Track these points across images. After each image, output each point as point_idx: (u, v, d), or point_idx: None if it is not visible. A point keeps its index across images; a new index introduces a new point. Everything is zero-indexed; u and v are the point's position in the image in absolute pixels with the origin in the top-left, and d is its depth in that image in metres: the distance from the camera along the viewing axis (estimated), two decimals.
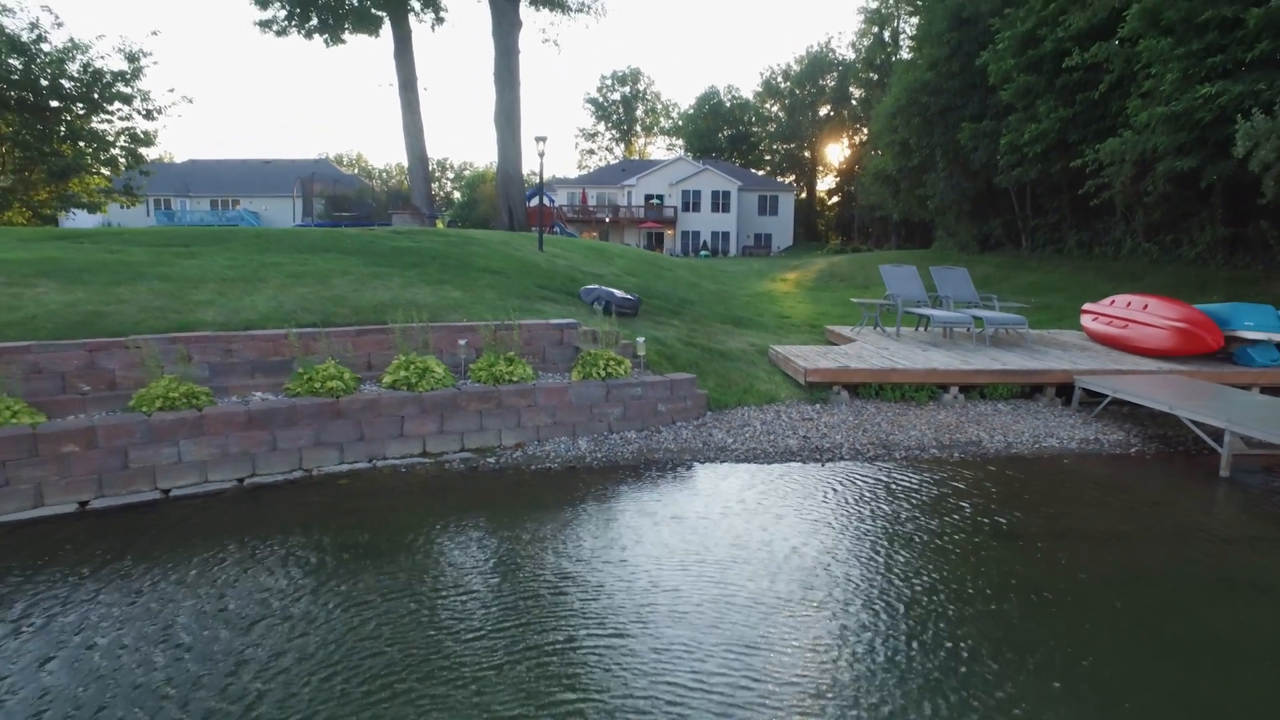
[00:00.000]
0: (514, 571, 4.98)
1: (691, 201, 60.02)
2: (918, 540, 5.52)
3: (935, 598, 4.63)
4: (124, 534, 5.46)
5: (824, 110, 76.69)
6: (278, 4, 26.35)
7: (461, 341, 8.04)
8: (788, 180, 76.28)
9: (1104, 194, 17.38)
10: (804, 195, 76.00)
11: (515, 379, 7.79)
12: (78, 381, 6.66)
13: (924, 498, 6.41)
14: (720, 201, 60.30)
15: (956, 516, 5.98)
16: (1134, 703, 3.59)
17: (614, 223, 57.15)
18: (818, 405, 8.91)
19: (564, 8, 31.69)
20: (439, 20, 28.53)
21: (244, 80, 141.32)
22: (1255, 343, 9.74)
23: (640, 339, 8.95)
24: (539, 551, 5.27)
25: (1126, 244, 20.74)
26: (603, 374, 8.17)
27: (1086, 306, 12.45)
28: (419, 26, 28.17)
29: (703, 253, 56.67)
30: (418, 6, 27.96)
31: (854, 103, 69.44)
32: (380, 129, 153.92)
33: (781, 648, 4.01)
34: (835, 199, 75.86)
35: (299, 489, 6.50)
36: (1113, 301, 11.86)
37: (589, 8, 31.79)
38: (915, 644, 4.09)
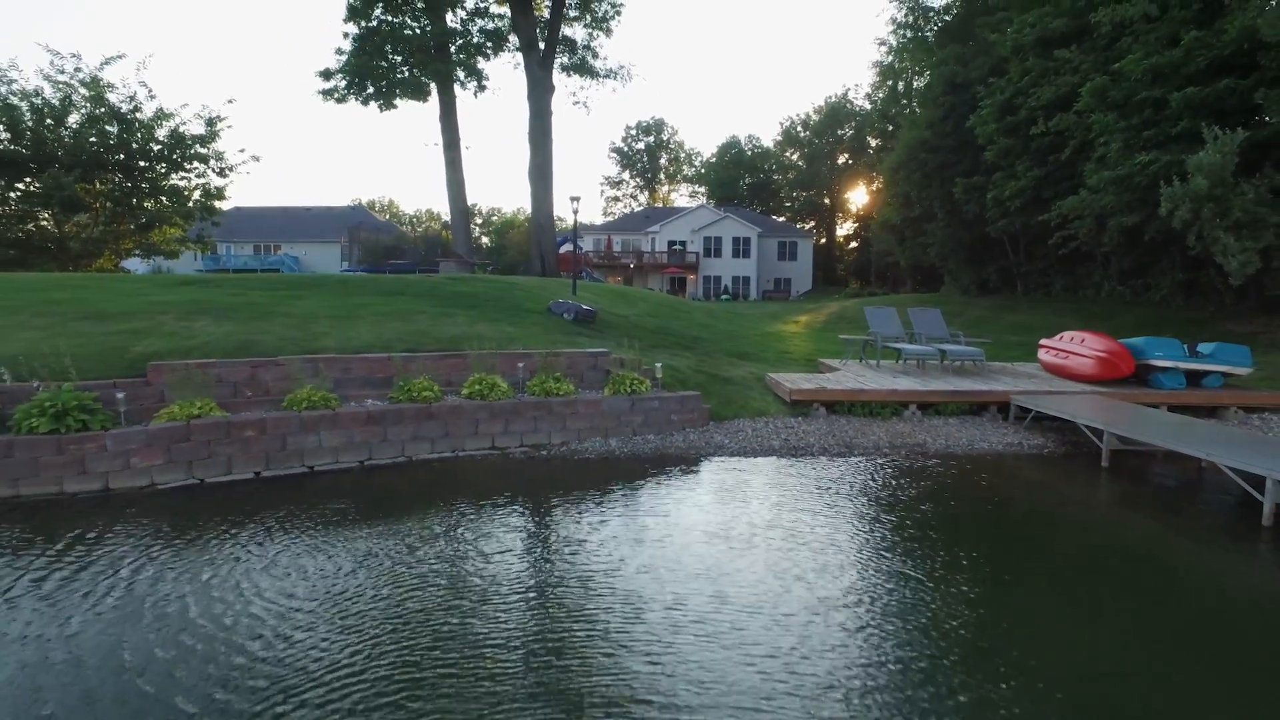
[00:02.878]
0: (565, 514, 7.25)
1: (713, 247, 62.66)
2: (855, 493, 7.70)
3: (860, 519, 6.81)
4: (286, 498, 7.74)
5: (842, 159, 79.63)
6: (340, 76, 29.57)
7: (520, 365, 10.41)
8: (807, 226, 78.89)
9: (1070, 244, 19.58)
10: (823, 240, 78.49)
11: (561, 393, 10.11)
12: (244, 388, 9.10)
13: (867, 475, 8.59)
14: (741, 247, 62.86)
15: (889, 483, 8.16)
16: (982, 579, 5.76)
17: (638, 268, 59.81)
18: (799, 418, 11.12)
19: (593, 73, 34.75)
20: (481, 88, 31.63)
21: (278, 127, 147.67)
22: (1164, 370, 11.83)
23: (658, 365, 11.28)
24: (581, 503, 7.54)
25: (1104, 288, 22.82)
26: (628, 391, 10.46)
27: (1042, 342, 14.54)
28: (462, 93, 31.12)
29: (724, 297, 59.11)
30: (462, 76, 31.09)
31: (871, 152, 72.31)
32: (411, 177, 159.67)
33: (755, 530, 6.23)
34: (853, 244, 78.30)
35: (403, 469, 8.82)
36: (1061, 337, 13.96)
37: (616, 74, 34.87)
38: (842, 540, 6.27)
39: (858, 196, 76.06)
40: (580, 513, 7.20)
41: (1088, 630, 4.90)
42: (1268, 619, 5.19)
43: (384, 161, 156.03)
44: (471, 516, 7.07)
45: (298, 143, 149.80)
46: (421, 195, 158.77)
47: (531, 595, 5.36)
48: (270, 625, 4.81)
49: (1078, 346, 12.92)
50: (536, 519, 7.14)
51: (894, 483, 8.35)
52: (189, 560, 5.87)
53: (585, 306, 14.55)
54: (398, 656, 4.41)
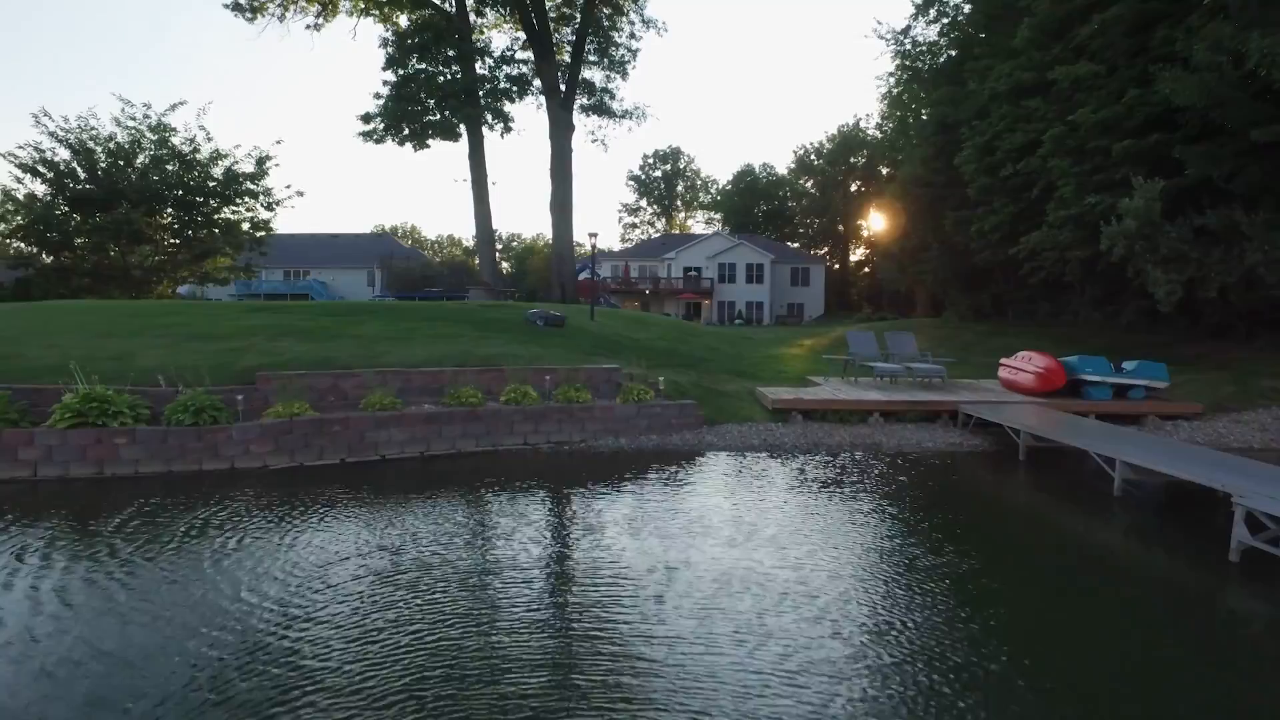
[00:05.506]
0: (587, 488, 9.43)
1: (727, 274, 64.86)
2: (810, 474, 9.81)
3: (816, 493, 8.93)
4: (366, 478, 9.96)
5: (854, 186, 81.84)
6: (379, 120, 32.31)
7: (547, 378, 12.65)
8: (821, 252, 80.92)
9: (1039, 273, 21.65)
10: (837, 266, 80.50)
11: (581, 401, 12.32)
12: (328, 394, 11.41)
13: (825, 464, 10.70)
14: (754, 273, 64.99)
15: (842, 468, 10.27)
16: (896, 529, 7.87)
17: (654, 294, 62.14)
18: (779, 423, 13.25)
19: (611, 114, 37.39)
20: (507, 129, 34.25)
21: (301, 154, 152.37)
22: (1093, 383, 13.86)
23: (661, 378, 13.48)
24: (598, 482, 9.72)
25: (1081, 314, 24.77)
26: (636, 399, 12.66)
27: (1001, 360, 16.53)
28: (489, 133, 33.86)
29: (736, 321, 61.22)
30: (490, 119, 33.73)
31: (883, 179, 74.38)
32: (432, 203, 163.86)
33: (736, 504, 8.37)
34: (866, 270, 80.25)
35: (454, 459, 11.03)
36: (1016, 356, 15.96)
37: (631, 114, 37.48)
38: (800, 505, 8.40)
39: (871, 222, 78.07)
40: (598, 486, 9.40)
41: (967, 560, 7.00)
42: (1087, 549, 7.29)
43: (405, 188, 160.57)
44: (513, 491, 9.29)
45: (319, 169, 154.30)
46: (443, 221, 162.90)
47: (563, 526, 7.54)
48: (355, 557, 7.02)
49: (1025, 364, 14.96)
50: (564, 491, 9.33)
51: (846, 468, 10.48)
52: (298, 517, 8.10)
53: (554, 313, 17.76)
54: (450, 571, 6.61)
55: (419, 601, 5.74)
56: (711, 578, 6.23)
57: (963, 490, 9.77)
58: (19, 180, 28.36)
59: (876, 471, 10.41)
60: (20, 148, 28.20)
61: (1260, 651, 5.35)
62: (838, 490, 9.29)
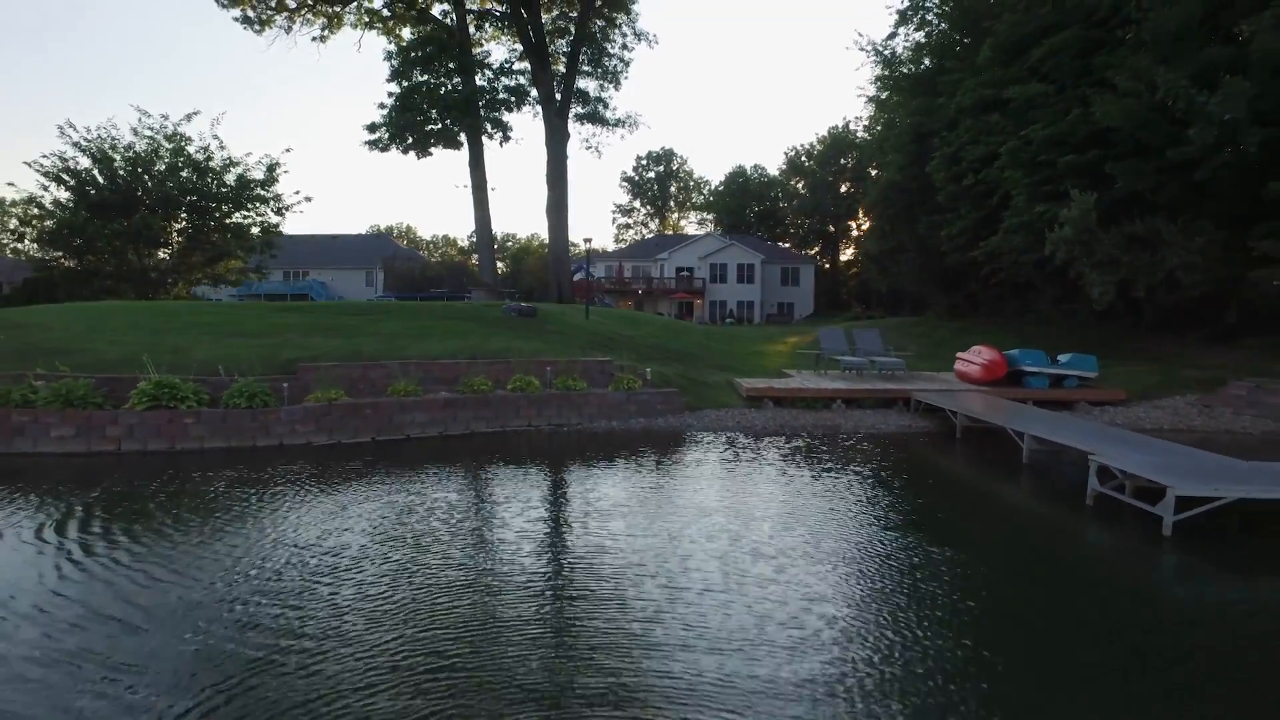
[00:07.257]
0: (581, 461, 11.16)
1: (719, 274, 66.54)
2: (774, 448, 11.55)
3: (776, 465, 10.67)
4: (394, 453, 11.68)
5: (844, 187, 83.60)
6: (384, 129, 34.00)
7: (548, 369, 14.38)
8: (812, 252, 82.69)
9: (999, 274, 23.46)
10: (827, 266, 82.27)
11: (578, 389, 14.06)
12: (358, 383, 13.13)
13: (790, 441, 12.44)
14: (745, 273, 66.68)
15: (801, 445, 12.01)
16: (852, 490, 9.64)
17: (647, 293, 63.84)
18: (752, 409, 15.00)
19: (604, 122, 39.09)
20: (506, 139, 35.96)
21: (294, 155, 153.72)
22: (1032, 374, 15.65)
23: (648, 369, 15.22)
24: (594, 454, 11.44)
25: (1044, 312, 26.59)
26: (626, 387, 14.41)
27: (957, 354, 18.31)
28: (489, 142, 35.61)
29: (728, 320, 62.96)
30: (489, 128, 35.44)
31: (870, 181, 76.07)
32: (426, 203, 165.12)
33: (711, 466, 10.11)
34: (855, 270, 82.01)
35: (468, 439, 12.74)
36: (970, 350, 17.74)
37: (624, 122, 39.20)
38: (767, 466, 10.14)
39: (860, 223, 79.78)
40: (594, 457, 11.15)
41: (903, 505, 8.76)
42: (991, 497, 9.08)
43: (402, 190, 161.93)
44: (521, 459, 11.03)
45: (317, 171, 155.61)
46: (438, 221, 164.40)
47: (565, 481, 9.29)
48: (385, 498, 8.74)
49: (975, 357, 16.75)
50: (565, 460, 11.07)
51: (808, 443, 12.25)
52: (339, 481, 9.81)
53: (525, 305, 20.43)
54: (468, 523, 8.34)
55: (441, 521, 7.50)
56: (692, 506, 8.08)
57: (906, 459, 11.50)
58: (44, 188, 30.01)
59: (835, 446, 12.18)
60: (44, 157, 29.83)
61: (1092, 561, 7.17)
62: (800, 458, 11.07)
